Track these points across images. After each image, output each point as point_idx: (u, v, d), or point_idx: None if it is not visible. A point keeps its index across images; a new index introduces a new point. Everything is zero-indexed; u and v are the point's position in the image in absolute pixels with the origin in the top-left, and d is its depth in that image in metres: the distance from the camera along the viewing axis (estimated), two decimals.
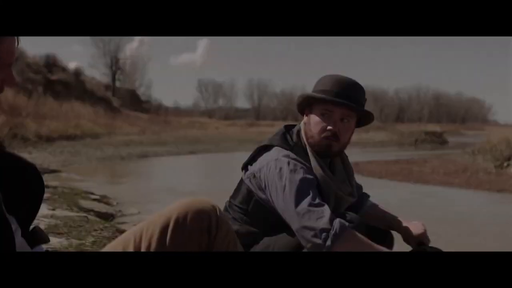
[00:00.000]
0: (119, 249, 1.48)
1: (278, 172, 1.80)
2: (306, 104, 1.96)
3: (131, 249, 1.46)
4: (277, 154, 1.86)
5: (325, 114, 1.89)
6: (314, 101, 1.92)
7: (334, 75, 1.93)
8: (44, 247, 1.36)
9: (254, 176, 1.87)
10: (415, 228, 2.04)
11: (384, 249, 1.75)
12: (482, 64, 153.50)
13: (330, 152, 1.92)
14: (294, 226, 1.74)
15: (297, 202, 1.74)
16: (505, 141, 14.40)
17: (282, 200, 1.77)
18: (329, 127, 1.88)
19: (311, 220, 1.70)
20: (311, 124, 1.91)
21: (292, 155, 1.86)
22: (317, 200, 1.74)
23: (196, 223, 1.46)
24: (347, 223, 1.72)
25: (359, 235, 1.72)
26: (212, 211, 1.49)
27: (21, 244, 1.23)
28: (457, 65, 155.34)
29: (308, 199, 1.74)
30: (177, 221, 1.46)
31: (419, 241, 2.02)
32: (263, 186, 1.85)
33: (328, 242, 1.67)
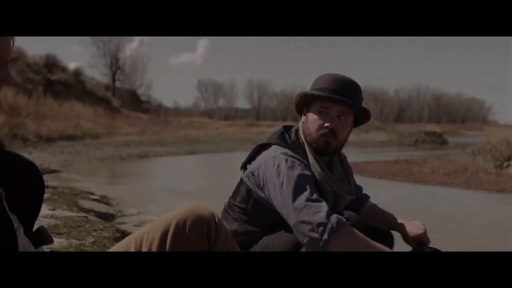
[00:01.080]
0: None
1: (276, 169, 1.81)
2: (304, 103, 1.97)
3: None
4: (275, 152, 1.87)
5: (322, 111, 1.91)
6: (311, 100, 1.94)
7: (331, 74, 1.95)
8: (45, 247, 1.36)
9: (253, 174, 1.89)
10: (415, 228, 2.04)
11: (381, 246, 1.75)
12: (482, 64, 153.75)
13: (328, 150, 1.93)
14: (292, 221, 1.75)
15: (295, 198, 1.75)
16: (505, 141, 14.39)
17: (280, 196, 1.78)
18: (326, 124, 1.89)
19: (309, 215, 1.71)
20: (309, 122, 1.93)
21: (290, 152, 1.87)
22: (315, 196, 1.76)
23: (196, 229, 1.50)
24: (344, 219, 1.72)
25: (357, 231, 1.73)
26: (211, 218, 1.53)
27: (24, 243, 1.23)
28: (457, 65, 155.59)
29: (305, 195, 1.75)
30: (177, 227, 1.49)
31: (419, 241, 2.02)
32: (261, 184, 1.85)
33: (325, 236, 1.68)
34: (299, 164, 1.84)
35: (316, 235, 1.69)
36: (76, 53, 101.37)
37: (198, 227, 1.49)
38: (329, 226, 1.68)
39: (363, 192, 2.21)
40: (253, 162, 1.92)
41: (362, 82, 1.98)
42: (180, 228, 1.48)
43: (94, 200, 6.61)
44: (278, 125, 2.17)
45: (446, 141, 31.04)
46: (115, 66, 45.68)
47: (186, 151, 19.32)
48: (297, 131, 1.98)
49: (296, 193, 1.76)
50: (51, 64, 33.81)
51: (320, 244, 1.68)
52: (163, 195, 8.14)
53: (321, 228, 1.69)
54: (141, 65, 51.40)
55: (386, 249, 1.77)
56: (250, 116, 68.70)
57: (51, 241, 1.35)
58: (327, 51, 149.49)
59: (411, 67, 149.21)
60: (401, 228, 2.06)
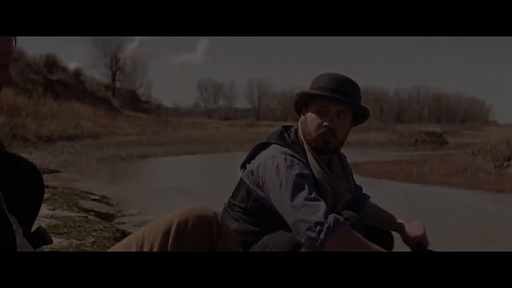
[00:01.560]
0: None
1: (275, 168, 1.81)
2: (303, 103, 1.98)
3: None
4: (274, 151, 1.88)
5: (321, 111, 1.91)
6: (310, 99, 1.94)
7: (330, 73, 1.95)
8: (44, 247, 1.36)
9: (252, 174, 1.89)
10: (415, 228, 2.04)
11: (378, 248, 1.74)
12: (482, 64, 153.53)
13: (328, 149, 1.93)
14: (290, 220, 1.75)
15: (293, 197, 1.75)
16: (505, 141, 14.41)
17: (278, 195, 1.78)
18: (325, 123, 1.89)
19: (307, 214, 1.71)
20: (308, 122, 1.93)
21: (289, 151, 1.87)
22: (313, 195, 1.76)
23: (197, 228, 1.48)
24: (342, 219, 1.72)
25: (354, 232, 1.72)
26: (213, 217, 1.52)
27: (22, 244, 1.23)
28: (457, 65, 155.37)
29: (304, 193, 1.75)
30: (178, 227, 1.48)
31: (418, 242, 2.02)
32: (261, 183, 1.86)
33: (322, 235, 1.67)
34: (298, 163, 1.84)
35: (313, 234, 1.69)
36: (76, 53, 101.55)
37: (200, 226, 1.48)
38: (326, 225, 1.68)
39: (363, 192, 2.21)
40: (252, 162, 1.92)
41: (362, 81, 1.98)
42: (181, 228, 1.47)
43: (94, 200, 6.60)
44: (278, 125, 2.17)
45: (446, 141, 31.04)
46: (115, 66, 45.75)
47: (186, 151, 19.32)
48: (296, 130, 1.99)
49: (295, 192, 1.76)
50: (51, 64, 33.82)
51: (317, 244, 1.68)
52: (163, 195, 8.14)
53: (318, 227, 1.69)
54: (141, 65, 51.49)
55: (383, 250, 1.77)
56: (250, 116, 68.66)
57: (50, 241, 1.35)
58: (327, 51, 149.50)
59: (411, 67, 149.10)
60: (400, 229, 2.06)
